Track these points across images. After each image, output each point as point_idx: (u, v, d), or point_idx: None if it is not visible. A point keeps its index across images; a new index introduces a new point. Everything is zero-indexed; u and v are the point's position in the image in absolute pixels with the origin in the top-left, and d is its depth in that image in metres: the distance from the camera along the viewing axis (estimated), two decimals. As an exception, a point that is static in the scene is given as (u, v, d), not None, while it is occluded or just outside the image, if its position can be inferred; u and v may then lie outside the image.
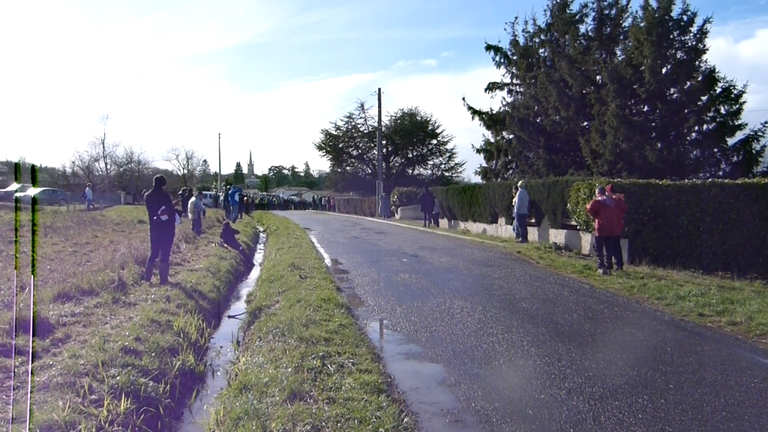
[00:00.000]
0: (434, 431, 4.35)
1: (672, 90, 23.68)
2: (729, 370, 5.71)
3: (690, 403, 4.81)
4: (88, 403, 4.94)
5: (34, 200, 27.70)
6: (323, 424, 4.22)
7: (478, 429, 4.42)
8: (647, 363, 5.89)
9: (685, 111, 23.28)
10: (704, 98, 23.28)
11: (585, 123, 26.89)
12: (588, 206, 11.84)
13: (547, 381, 5.36)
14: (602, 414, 4.58)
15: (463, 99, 32.81)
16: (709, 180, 14.88)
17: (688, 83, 23.28)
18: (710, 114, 23.52)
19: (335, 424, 4.20)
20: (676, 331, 7.24)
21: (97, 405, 4.94)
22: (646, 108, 24.68)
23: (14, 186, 42.21)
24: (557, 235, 16.28)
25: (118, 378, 5.49)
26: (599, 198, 11.52)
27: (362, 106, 54.22)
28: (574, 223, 15.14)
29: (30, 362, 5.83)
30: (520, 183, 17.76)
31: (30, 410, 4.50)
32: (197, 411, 5.88)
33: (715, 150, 23.46)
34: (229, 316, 10.14)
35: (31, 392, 4.95)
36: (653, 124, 24.12)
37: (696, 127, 23.48)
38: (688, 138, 23.81)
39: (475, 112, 32.72)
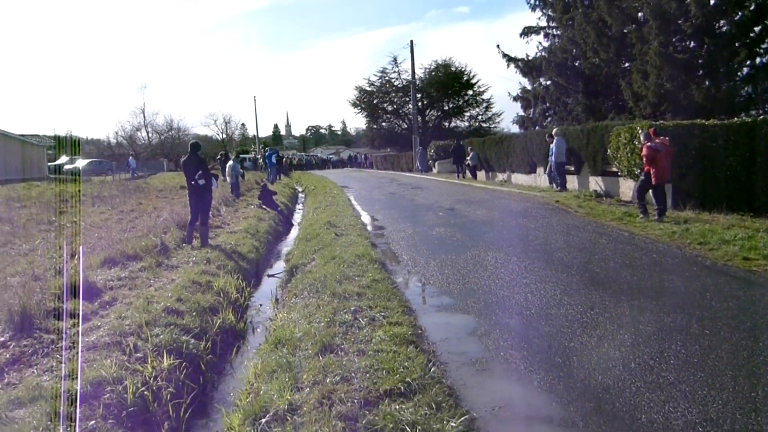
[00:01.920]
0: (461, 380, 4.40)
1: (721, 22, 22.34)
2: (771, 314, 5.55)
3: (725, 349, 4.71)
4: (133, 361, 5.21)
5: (78, 172, 28.72)
6: (352, 375, 4.33)
7: (506, 377, 4.46)
8: (683, 309, 5.76)
9: (736, 45, 21.97)
10: (757, 29, 21.88)
11: (626, 64, 25.81)
12: (644, 153, 11.19)
13: (578, 329, 5.33)
14: (632, 360, 4.54)
15: (498, 46, 32.18)
16: (761, 117, 14.12)
17: (739, 14, 21.89)
18: (764, 46, 22.13)
19: (364, 375, 4.30)
20: (717, 276, 7.04)
21: (142, 362, 5.19)
22: (692, 44, 23.42)
23: (63, 159, 43.85)
24: (597, 183, 15.89)
25: (161, 336, 5.75)
26: (650, 144, 11.02)
27: (395, 60, 53.36)
28: (614, 169, 14.71)
29: (80, 324, 6.16)
30: (555, 131, 17.29)
31: (78, 369, 4.77)
32: (238, 366, 6.12)
33: (768, 85, 22.24)
34: (269, 275, 10.40)
35: (80, 352, 5.23)
36: (700, 61, 22.91)
37: (748, 62, 22.22)
38: (739, 74, 22.57)
39: (510, 59, 31.83)
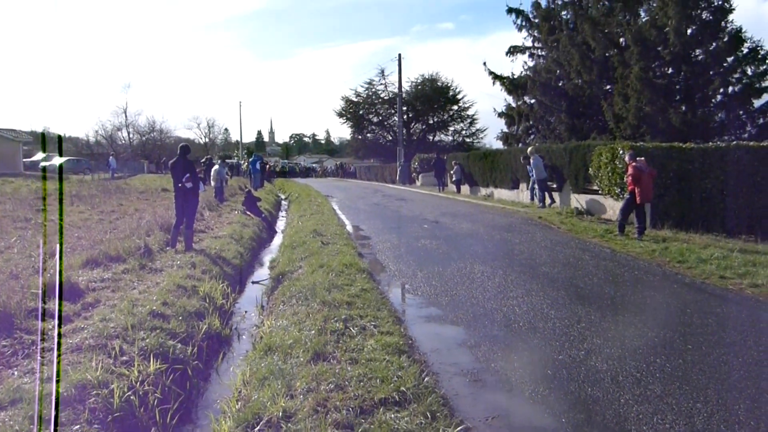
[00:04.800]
0: (455, 390, 4.46)
1: (697, 51, 23.22)
2: (748, 331, 5.73)
3: (708, 363, 4.85)
4: (119, 364, 5.09)
5: (60, 169, 28.13)
6: (346, 383, 4.35)
7: (497, 388, 4.53)
8: (666, 324, 5.92)
9: (711, 73, 22.80)
10: (730, 59, 22.84)
11: (608, 86, 26.43)
12: (629, 173, 11.43)
13: (566, 342, 5.43)
14: (620, 374, 4.65)
15: (484, 64, 32.88)
16: (734, 142, 14.59)
17: (714, 44, 22.79)
18: (736, 75, 23.06)
19: (358, 383, 4.32)
20: (696, 294, 7.23)
21: (127, 366, 5.08)
22: (670, 70, 24.18)
23: (40, 155, 42.99)
24: (578, 200, 16.17)
25: (147, 340, 5.65)
26: (635, 164, 11.28)
27: (382, 72, 53.77)
28: (596, 187, 15.00)
29: (62, 325, 6.03)
30: (528, 150, 17.66)
31: (61, 371, 4.66)
32: (224, 372, 6.06)
33: (741, 112, 23.10)
34: (253, 282, 10.33)
35: (63, 354, 5.12)
36: (677, 86, 23.70)
37: (721, 89, 23.06)
38: (713, 100, 23.40)
39: (496, 76, 32.31)
